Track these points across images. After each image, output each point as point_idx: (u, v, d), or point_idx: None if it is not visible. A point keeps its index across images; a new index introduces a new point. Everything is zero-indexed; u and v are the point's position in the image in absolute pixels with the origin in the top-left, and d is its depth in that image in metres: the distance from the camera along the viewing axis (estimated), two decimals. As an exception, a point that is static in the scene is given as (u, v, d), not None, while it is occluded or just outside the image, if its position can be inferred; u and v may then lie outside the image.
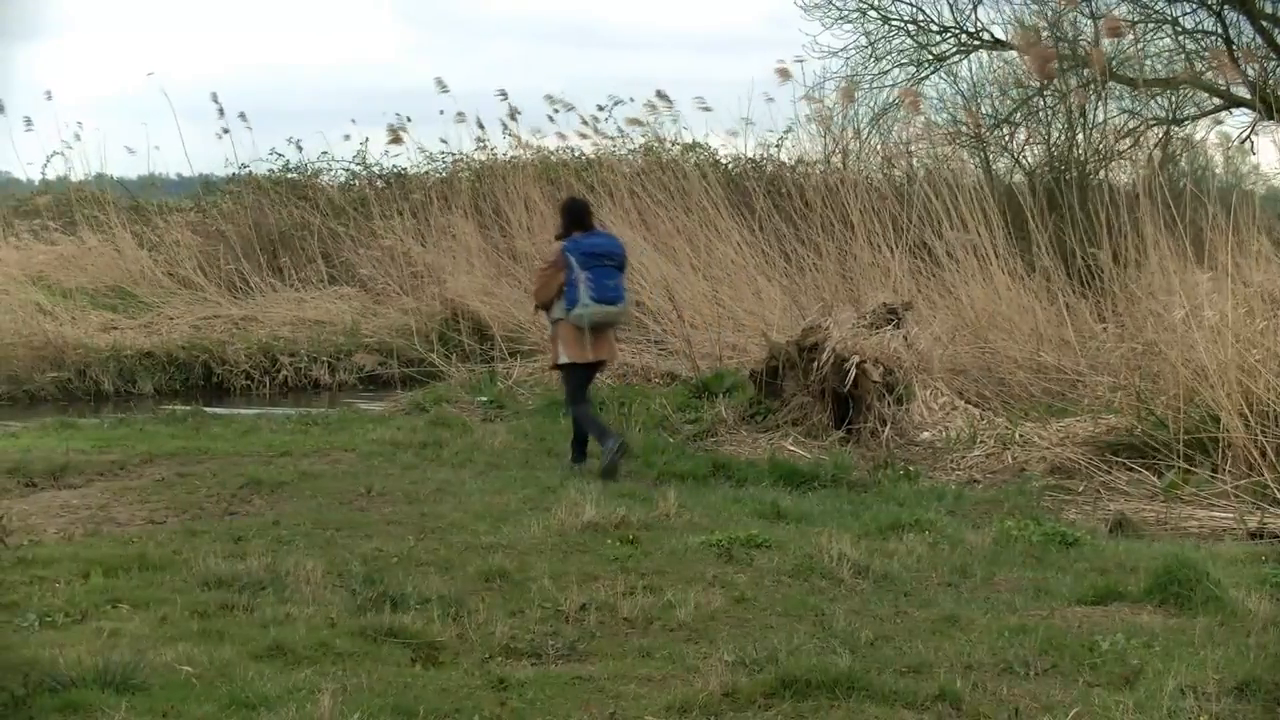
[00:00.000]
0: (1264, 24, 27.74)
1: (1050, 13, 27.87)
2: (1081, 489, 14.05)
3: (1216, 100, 28.00)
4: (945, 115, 28.73)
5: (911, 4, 29.59)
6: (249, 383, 24.17)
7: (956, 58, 29.54)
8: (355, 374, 24.74)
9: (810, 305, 19.94)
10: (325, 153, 33.50)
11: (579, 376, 14.95)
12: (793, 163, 28.65)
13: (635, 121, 28.98)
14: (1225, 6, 27.74)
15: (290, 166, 33.05)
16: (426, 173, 32.22)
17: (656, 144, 29.43)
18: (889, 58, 29.78)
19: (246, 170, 32.92)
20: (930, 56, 29.57)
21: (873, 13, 29.69)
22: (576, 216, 15.00)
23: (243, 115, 31.96)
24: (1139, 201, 17.42)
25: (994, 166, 27.38)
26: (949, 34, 29.34)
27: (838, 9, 29.66)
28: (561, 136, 30.30)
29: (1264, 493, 13.21)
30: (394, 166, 33.12)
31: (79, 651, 7.90)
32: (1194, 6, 28.07)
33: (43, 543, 11.18)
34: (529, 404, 18.96)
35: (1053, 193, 21.42)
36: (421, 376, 22.35)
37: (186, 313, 26.28)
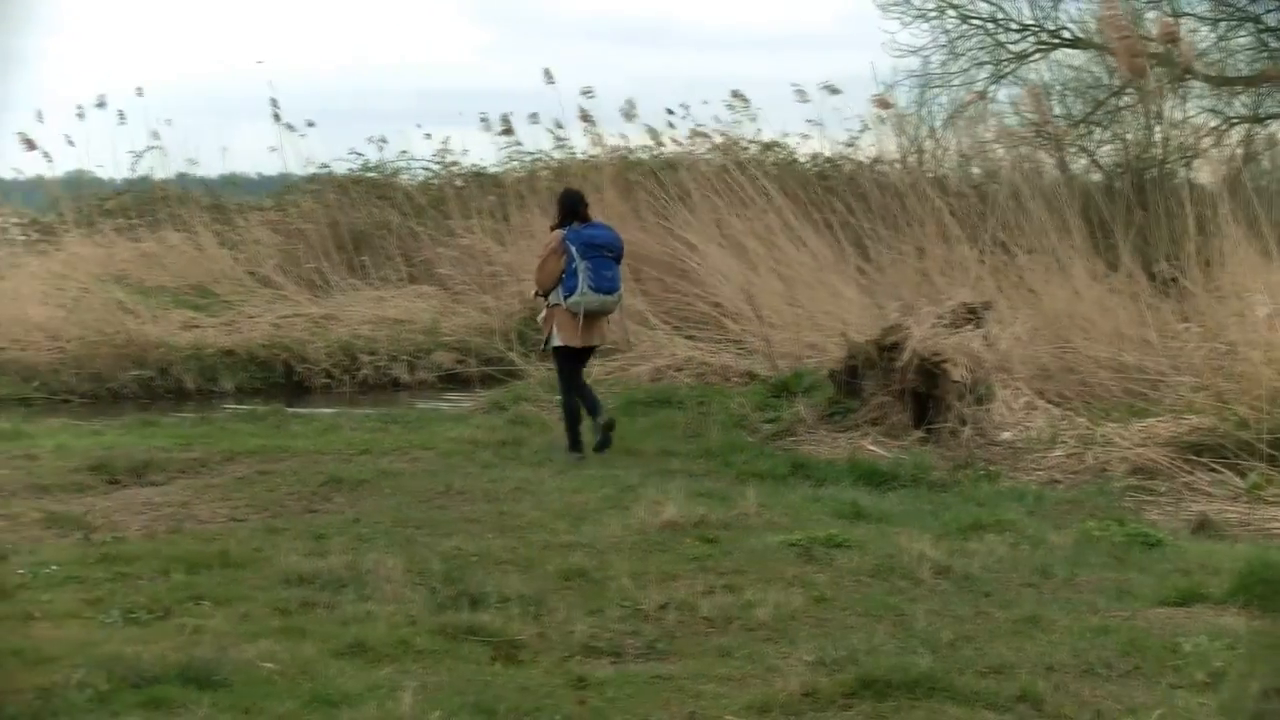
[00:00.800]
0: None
1: (1132, 11, 27.66)
2: (1163, 490, 13.95)
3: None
4: (1016, 118, 28.50)
5: (991, 2, 29.42)
6: (329, 381, 24.25)
7: (1036, 56, 29.36)
8: (434, 372, 24.77)
9: (889, 305, 19.86)
10: (404, 152, 33.55)
11: (571, 360, 15.71)
12: (870, 161, 28.55)
13: (701, 134, 29.02)
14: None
15: (370, 166, 33.12)
16: (505, 172, 32.21)
17: (734, 144, 29.37)
18: (967, 55, 29.60)
19: (326, 169, 33.02)
20: (1009, 55, 29.39)
21: (951, 11, 29.52)
22: (572, 207, 15.91)
23: (311, 122, 32.15)
24: (1221, 200, 17.28)
25: (1071, 166, 27.18)
26: (1028, 32, 29.15)
27: (916, 7, 29.49)
28: (650, 135, 30.27)
29: (1348, 494, 13.10)
30: (473, 165, 33.15)
31: (162, 648, 7.96)
32: (1277, 4, 27.80)
33: (126, 539, 11.26)
34: (608, 403, 18.93)
35: (1133, 192, 21.28)
36: (500, 375, 22.37)
37: (267, 311, 26.36)
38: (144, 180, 32.31)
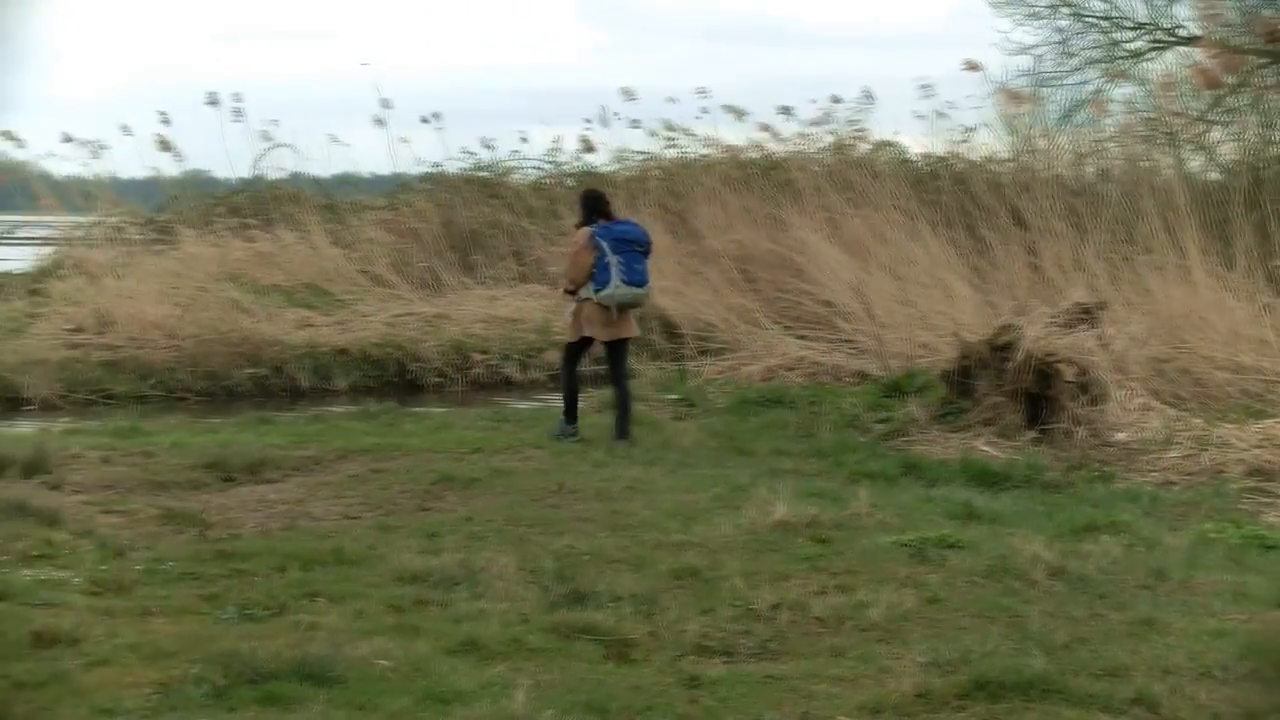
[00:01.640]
0: None
1: (1244, 8, 27.37)
2: (1281, 491, 13.80)
3: None
4: (1133, 115, 28.25)
5: (1106, 0, 29.20)
6: (441, 380, 24.36)
7: (1151, 54, 29.11)
8: (546, 371, 24.84)
9: (1002, 304, 19.75)
10: (516, 151, 33.67)
11: (580, 350, 16.71)
12: (982, 160, 28.41)
13: (811, 133, 28.98)
14: None
15: (482, 165, 33.25)
16: (616, 171, 32.26)
17: (845, 142, 29.31)
18: (1081, 55, 29.38)
19: (439, 169, 33.19)
20: (1124, 53, 29.16)
21: (1065, 9, 29.32)
22: (596, 205, 16.54)
23: (426, 118, 32.29)
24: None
25: (1188, 165, 26.94)
26: (1143, 30, 28.91)
27: (1029, 5, 29.31)
28: (762, 134, 30.25)
29: None
30: (584, 165, 33.20)
31: (277, 644, 8.01)
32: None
33: (241, 536, 11.36)
34: (719, 402, 18.94)
35: (1250, 190, 21.06)
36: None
37: (380, 310, 26.51)
38: (259, 180, 32.57)
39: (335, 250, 29.62)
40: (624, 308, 16.13)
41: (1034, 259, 21.55)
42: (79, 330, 24.00)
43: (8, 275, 31.21)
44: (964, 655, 8.20)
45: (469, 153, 33.49)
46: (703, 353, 22.61)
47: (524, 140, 34.00)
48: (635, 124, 31.62)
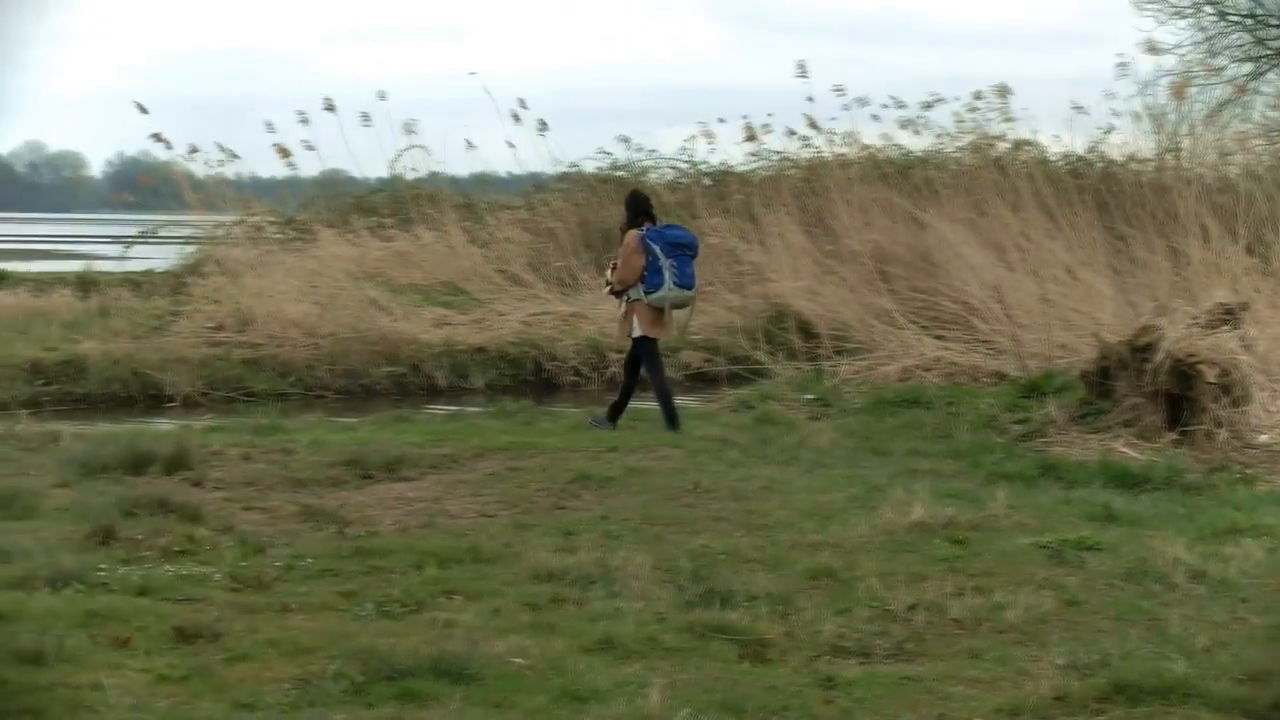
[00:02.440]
0: None
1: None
2: None
3: None
4: (1276, 114, 27.90)
5: (1251, -2, 28.88)
6: (577, 379, 24.46)
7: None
8: (682, 371, 24.85)
9: (1143, 304, 19.53)
10: (653, 150, 33.67)
11: (655, 345, 17.14)
12: (1124, 160, 28.14)
13: (950, 132, 28.81)
14: None
15: (618, 164, 33.27)
16: (752, 171, 32.20)
17: (984, 141, 29.11)
18: (1225, 52, 29.07)
19: (576, 168, 33.24)
20: (1269, 51, 28.81)
21: (1209, 8, 29.01)
22: (642, 208, 17.29)
23: (541, 122, 32.39)
24: None
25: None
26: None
27: (1172, 4, 29.03)
28: (909, 129, 30.11)
29: None
30: (720, 164, 33.17)
31: (414, 641, 8.06)
32: None
33: (379, 534, 11.44)
34: (855, 402, 18.88)
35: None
36: (747, 374, 22.36)
37: (516, 309, 26.64)
38: (396, 179, 32.78)
39: (472, 249, 29.76)
40: (672, 308, 16.95)
41: (1177, 259, 21.30)
42: (220, 328, 24.30)
43: (151, 274, 31.64)
44: (1103, 658, 8.13)
45: (605, 152, 33.55)
46: (839, 353, 22.52)
47: (656, 139, 34.00)
48: (766, 124, 31.54)
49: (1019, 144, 29.10)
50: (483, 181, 35.18)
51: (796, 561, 10.38)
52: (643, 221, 17.06)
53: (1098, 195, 24.23)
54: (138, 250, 32.40)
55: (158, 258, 33.33)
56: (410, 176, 32.65)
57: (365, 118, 30.85)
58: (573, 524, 11.69)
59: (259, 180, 31.72)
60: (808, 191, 29.35)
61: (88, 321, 24.71)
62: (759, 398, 19.29)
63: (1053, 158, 29.36)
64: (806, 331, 24.42)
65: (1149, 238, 22.02)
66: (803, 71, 29.33)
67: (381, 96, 31.31)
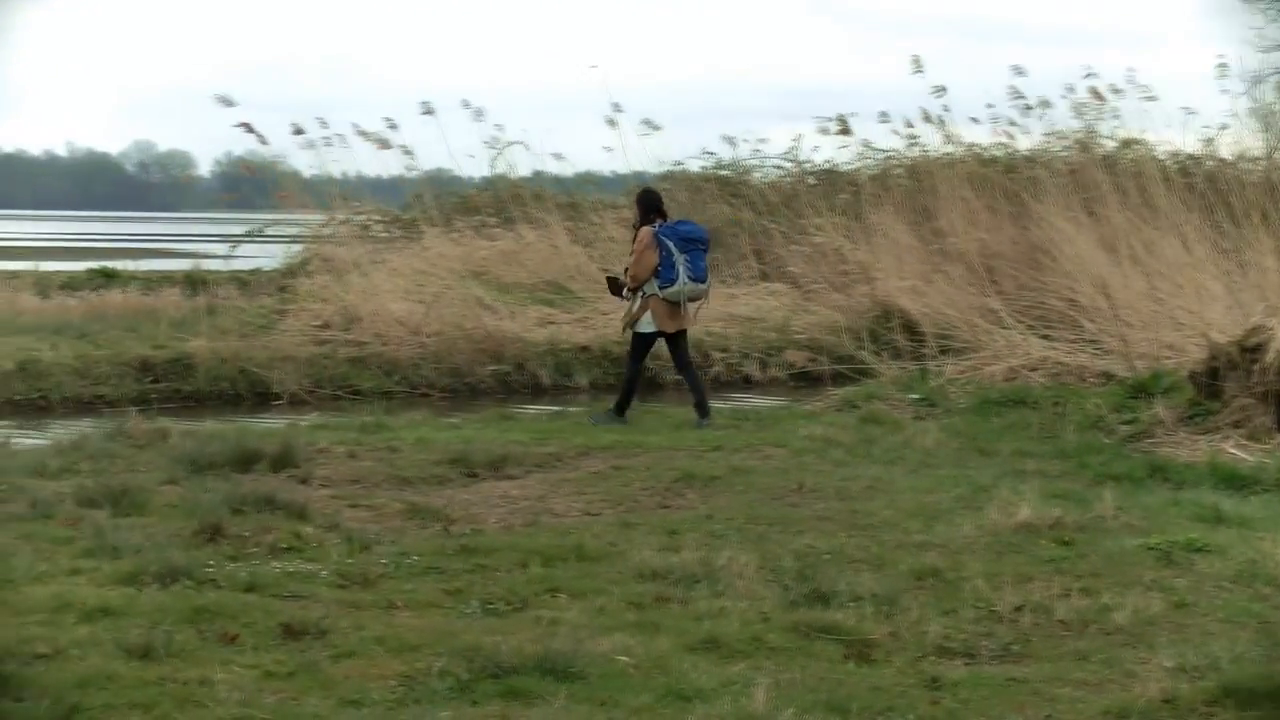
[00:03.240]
0: None
1: None
2: None
3: None
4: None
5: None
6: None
7: None
8: (786, 370, 24.83)
9: (1252, 304, 19.33)
10: (757, 149, 33.63)
11: (649, 343, 17.86)
12: (1234, 158, 27.87)
13: (1057, 131, 28.61)
14: None
15: (722, 164, 33.25)
16: (858, 169, 32.10)
17: (1091, 140, 28.90)
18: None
19: (680, 167, 33.25)
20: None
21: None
22: (654, 205, 17.69)
23: (647, 120, 32.38)
24: None
25: None
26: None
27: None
28: (1018, 127, 29.94)
29: None
30: (826, 163, 33.09)
31: (520, 639, 8.09)
32: None
33: (484, 532, 11.48)
34: (960, 402, 18.76)
35: None
36: (852, 373, 22.29)
37: (620, 308, 26.50)
38: (501, 179, 32.86)
39: (576, 248, 29.79)
40: (686, 302, 17.42)
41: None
42: (326, 327, 24.47)
43: (257, 273, 31.87)
44: (1212, 661, 8.06)
45: (709, 151, 33.53)
46: (944, 352, 22.41)
47: (763, 140, 33.96)
48: (883, 116, 31.45)
49: (1126, 143, 28.87)
50: (586, 181, 35.21)
51: (901, 561, 10.36)
52: (654, 218, 17.48)
53: (1206, 194, 24.00)
54: (245, 249, 32.63)
55: (264, 256, 33.58)
56: (513, 176, 32.74)
57: (478, 113, 30.97)
58: (677, 523, 11.70)
59: (365, 179, 31.83)
60: (914, 190, 29.23)
61: (195, 320, 24.90)
62: (864, 397, 19.20)
63: (1161, 156, 29.10)
64: (911, 330, 24.34)
65: (1259, 237, 21.79)
66: (918, 67, 29.20)
67: (470, 104, 31.43)
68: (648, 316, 17.49)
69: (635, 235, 17.65)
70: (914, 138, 31.11)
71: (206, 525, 10.84)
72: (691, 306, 17.74)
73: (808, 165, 33.19)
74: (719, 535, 11.20)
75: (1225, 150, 28.40)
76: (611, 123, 31.86)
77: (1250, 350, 15.94)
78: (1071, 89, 28.85)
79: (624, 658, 8.03)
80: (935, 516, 11.86)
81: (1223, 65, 26.00)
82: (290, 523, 11.19)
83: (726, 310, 26.57)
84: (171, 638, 8.08)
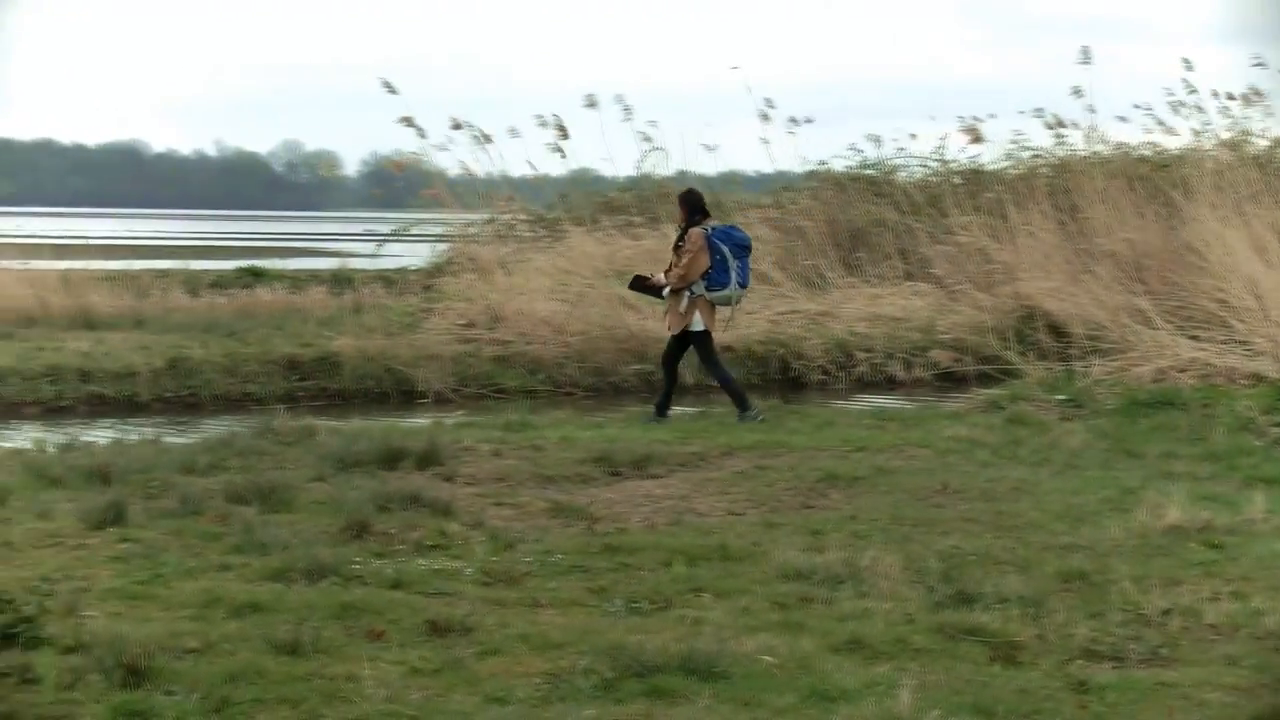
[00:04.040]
0: None
1: None
2: None
3: None
4: None
5: None
6: (825, 378, 24.38)
7: None
8: (930, 370, 24.71)
9: None
10: (902, 148, 33.48)
11: (711, 340, 18.07)
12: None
13: (1206, 129, 28.29)
14: None
15: (867, 163, 33.14)
16: (1004, 169, 31.88)
17: (1243, 139, 28.53)
18: None
19: (825, 166, 33.16)
20: None
21: None
22: (700, 205, 17.98)
23: (808, 119, 32.28)
24: None
25: None
26: None
27: None
28: (1167, 127, 29.63)
29: None
30: (971, 162, 32.87)
31: (663, 638, 8.10)
32: None
33: (628, 531, 11.51)
34: (1108, 403, 18.57)
35: None
36: (997, 374, 22.13)
37: (764, 307, 26.60)
38: (646, 178, 32.90)
39: (721, 248, 29.74)
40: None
41: None
42: (471, 325, 24.63)
43: (403, 271, 32.13)
44: (1370, 667, 7.94)
45: (854, 150, 33.42)
46: (1091, 353, 22.21)
47: (912, 136, 33.79)
48: (1036, 113, 31.22)
49: (1278, 142, 28.47)
50: (730, 180, 35.18)
51: (1048, 563, 10.28)
52: (699, 219, 17.79)
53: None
54: (390, 248, 32.92)
55: (410, 255, 33.84)
56: (658, 175, 32.76)
57: (627, 111, 31.01)
58: (821, 523, 11.68)
59: (510, 179, 31.97)
60: (1061, 189, 28.97)
61: (342, 318, 25.20)
62: (1009, 398, 19.04)
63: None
64: (1057, 331, 24.15)
65: None
66: (1086, 57, 28.92)
67: (621, 100, 31.46)
68: (697, 315, 17.73)
69: (682, 235, 17.90)
70: (1061, 137, 30.89)
71: (353, 522, 10.95)
72: (724, 310, 18.13)
73: (953, 164, 33.00)
74: (863, 536, 11.18)
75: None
76: (765, 117, 31.84)
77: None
78: (1221, 90, 28.55)
79: (768, 658, 8.02)
80: (1082, 518, 11.76)
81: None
82: (436, 520, 11.29)
83: (871, 310, 26.49)
84: (319, 634, 8.17)
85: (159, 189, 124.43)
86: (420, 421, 18.32)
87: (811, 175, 33.28)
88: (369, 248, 35.18)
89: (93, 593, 9.14)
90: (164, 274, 32.93)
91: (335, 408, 21.04)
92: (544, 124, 29.75)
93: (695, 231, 17.55)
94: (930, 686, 7.63)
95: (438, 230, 32.56)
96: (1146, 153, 29.81)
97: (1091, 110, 30.02)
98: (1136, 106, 29.96)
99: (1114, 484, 13.18)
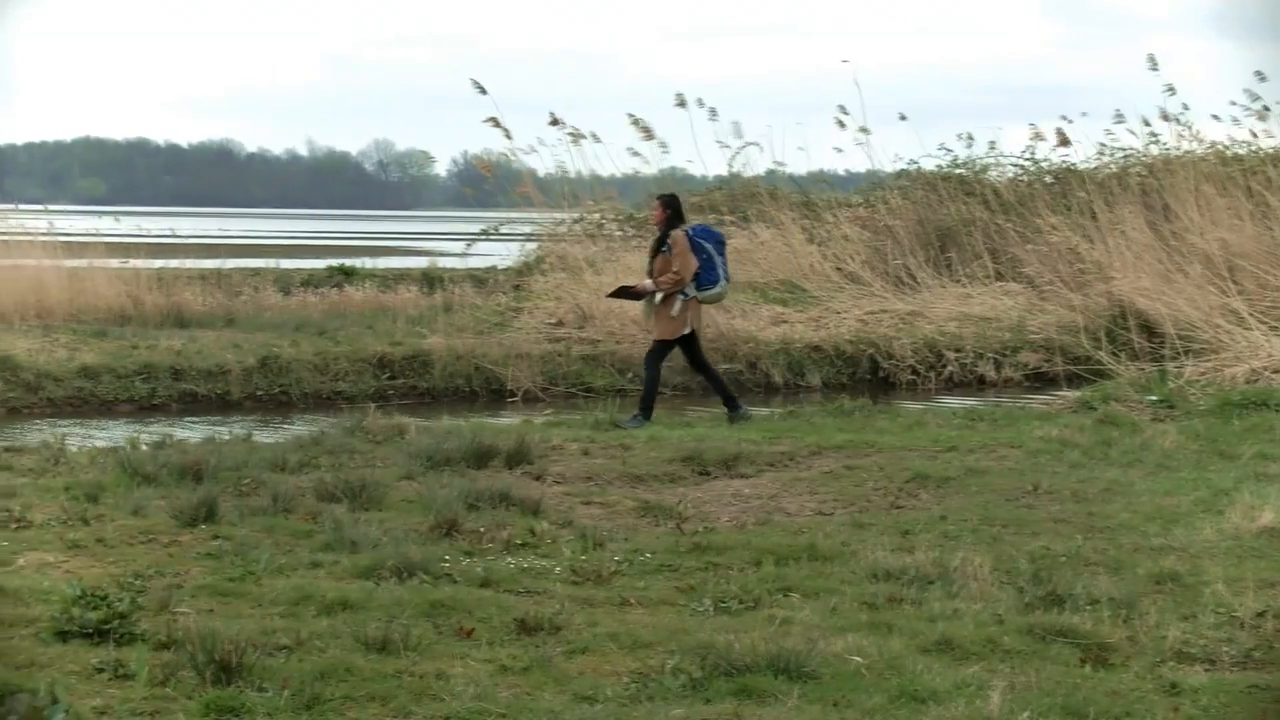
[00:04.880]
0: None
1: None
2: None
3: None
4: None
5: None
6: (914, 377, 24.34)
7: None
8: (1020, 370, 24.62)
9: None
10: (994, 147, 33.37)
11: (670, 349, 17.89)
12: None
13: None
14: None
15: (958, 162, 33.04)
16: (1095, 168, 31.72)
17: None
18: None
19: (915, 166, 33.11)
20: None
21: None
22: (680, 209, 17.95)
23: (903, 115, 32.20)
24: None
25: None
26: None
27: None
28: (1262, 125, 29.40)
29: None
30: (1062, 161, 32.73)
31: (752, 638, 8.07)
32: None
33: (716, 530, 11.50)
34: (1200, 404, 18.44)
35: None
36: (1088, 374, 22.02)
37: (853, 307, 26.61)
38: (734, 177, 32.90)
39: (810, 247, 29.77)
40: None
41: None
42: (560, 324, 24.73)
43: (493, 271, 32.23)
44: None
45: (946, 149, 33.33)
46: (1183, 353, 22.05)
47: (1000, 129, 33.71)
48: (1118, 117, 31.07)
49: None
50: (820, 179, 35.16)
51: (1140, 565, 10.21)
52: (678, 222, 17.73)
53: None
54: (480, 247, 33.04)
55: (499, 255, 33.95)
56: (748, 174, 32.76)
57: (713, 113, 31.02)
58: (910, 523, 11.64)
59: (599, 178, 32.03)
60: (1153, 188, 28.79)
61: (432, 317, 25.30)
62: (1100, 398, 18.93)
63: None
64: (1149, 331, 23.99)
65: None
66: (1153, 64, 28.80)
67: (704, 102, 31.43)
68: (691, 318, 17.67)
69: (662, 238, 17.67)
70: (1154, 136, 30.70)
71: (443, 521, 10.99)
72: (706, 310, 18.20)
73: (1044, 163, 32.87)
74: (953, 536, 11.13)
75: None
76: (841, 121, 31.79)
77: None
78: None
79: (857, 658, 8.00)
80: (1174, 520, 11.67)
81: None
82: (525, 519, 11.32)
83: (961, 310, 26.42)
84: (408, 631, 8.20)
85: (251, 188, 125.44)
86: (509, 420, 18.40)
87: (902, 174, 33.23)
88: (459, 247, 35.33)
89: (185, 589, 9.20)
90: (255, 273, 33.17)
91: (425, 406, 21.16)
92: (635, 123, 29.79)
93: (678, 233, 17.52)
94: (1020, 688, 7.59)
95: (527, 229, 32.66)
96: (1241, 151, 29.59)
97: (1185, 108, 29.86)
98: (1233, 103, 29.74)
99: (1207, 485, 13.07)
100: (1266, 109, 29.04)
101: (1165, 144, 30.56)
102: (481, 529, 10.93)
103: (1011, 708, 7.18)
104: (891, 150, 37.67)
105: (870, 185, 34.64)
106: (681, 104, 30.15)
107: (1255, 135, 29.53)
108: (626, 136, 30.88)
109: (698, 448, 14.64)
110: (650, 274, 17.78)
